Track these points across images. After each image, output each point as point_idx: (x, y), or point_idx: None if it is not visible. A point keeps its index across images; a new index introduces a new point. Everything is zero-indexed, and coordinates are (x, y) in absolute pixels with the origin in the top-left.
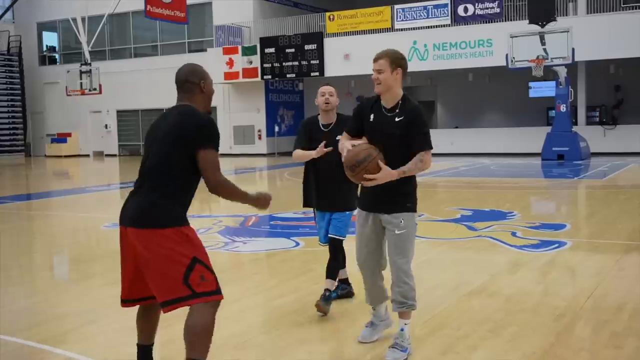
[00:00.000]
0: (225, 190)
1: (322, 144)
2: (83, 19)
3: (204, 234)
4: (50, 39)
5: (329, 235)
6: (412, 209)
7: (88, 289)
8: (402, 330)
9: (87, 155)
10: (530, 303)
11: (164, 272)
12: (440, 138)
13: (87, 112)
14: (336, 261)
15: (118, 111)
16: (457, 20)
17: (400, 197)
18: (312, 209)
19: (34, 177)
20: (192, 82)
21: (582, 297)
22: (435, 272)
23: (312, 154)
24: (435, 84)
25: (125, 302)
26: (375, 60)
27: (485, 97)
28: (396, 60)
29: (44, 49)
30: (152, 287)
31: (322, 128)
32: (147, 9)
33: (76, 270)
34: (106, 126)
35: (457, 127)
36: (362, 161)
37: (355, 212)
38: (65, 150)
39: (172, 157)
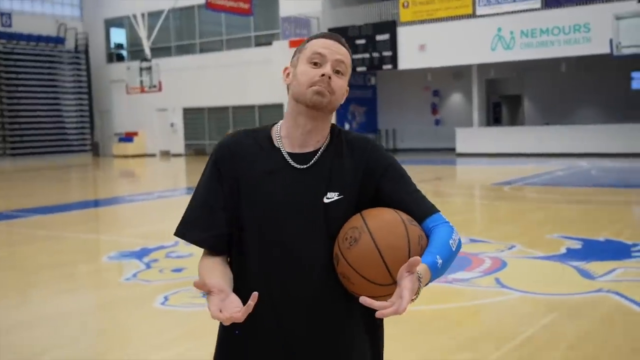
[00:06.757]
0: None
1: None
2: (143, 14)
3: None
4: (118, 35)
5: None
6: None
7: None
8: None
9: (154, 155)
10: None
11: None
12: (528, 136)
13: (153, 111)
14: None
15: (184, 109)
16: (548, 3)
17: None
18: None
19: (77, 180)
20: None
21: None
22: None
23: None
24: (522, 75)
25: None
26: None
27: (579, 90)
28: None
29: (112, 46)
30: None
31: (292, 163)
32: (209, 0)
33: None
34: (172, 125)
35: (547, 124)
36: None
37: None
38: (131, 149)
39: None
